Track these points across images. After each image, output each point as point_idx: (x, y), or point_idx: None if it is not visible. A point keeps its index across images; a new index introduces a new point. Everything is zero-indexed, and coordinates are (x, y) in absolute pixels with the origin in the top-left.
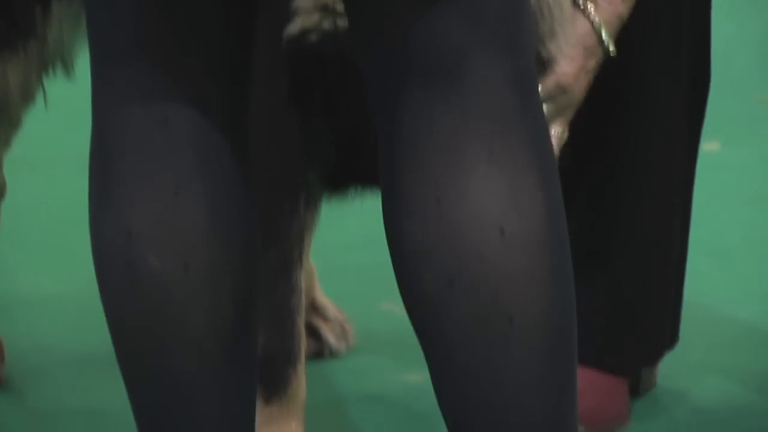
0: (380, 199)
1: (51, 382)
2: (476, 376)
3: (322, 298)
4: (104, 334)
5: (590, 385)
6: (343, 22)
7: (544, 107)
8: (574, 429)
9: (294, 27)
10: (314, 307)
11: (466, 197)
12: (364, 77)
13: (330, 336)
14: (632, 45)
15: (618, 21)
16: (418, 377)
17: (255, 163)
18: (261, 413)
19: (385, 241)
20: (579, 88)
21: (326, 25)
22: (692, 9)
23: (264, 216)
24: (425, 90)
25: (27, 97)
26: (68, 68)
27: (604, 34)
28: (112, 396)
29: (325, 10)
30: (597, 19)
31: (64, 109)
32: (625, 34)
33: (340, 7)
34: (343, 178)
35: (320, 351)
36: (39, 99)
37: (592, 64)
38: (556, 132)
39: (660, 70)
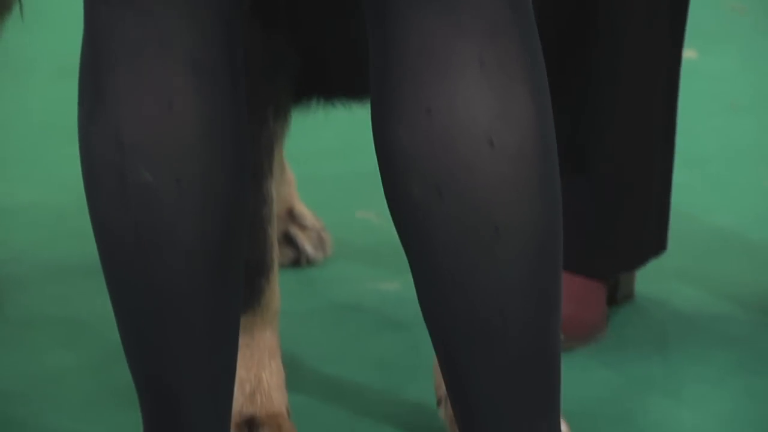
0: (359, 107)
1: (28, 291)
2: (460, 283)
3: (300, 207)
4: (81, 243)
5: (568, 290)
6: None
7: None
8: (557, 338)
9: None
10: (292, 216)
11: (455, 107)
12: None
13: (307, 245)
14: None
15: None
16: (394, 285)
17: None
18: None
19: (362, 151)
20: None
21: None
22: None
23: None
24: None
25: (3, 7)
26: None
27: None
28: (90, 304)
29: None
30: None
31: (40, 16)
32: None
33: None
34: (306, 90)
35: (297, 259)
36: (15, 9)
37: None
38: None
39: None
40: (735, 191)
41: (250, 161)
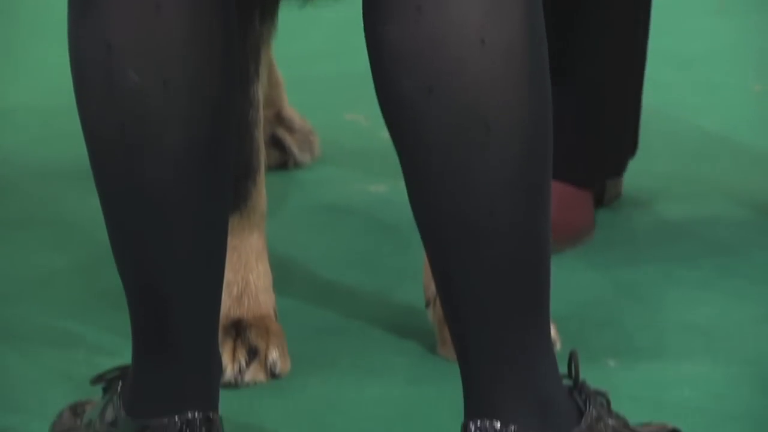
0: (352, 7)
1: (17, 192)
2: (450, 181)
3: (289, 110)
4: (71, 145)
5: (554, 196)
6: None
7: None
8: (546, 239)
9: None
10: (280, 118)
11: (446, 4)
12: None
13: (294, 147)
14: None
15: None
16: (382, 188)
17: None
18: None
19: (351, 52)
20: None
21: None
22: None
23: None
24: None
25: None
26: None
27: None
28: (80, 206)
29: None
30: None
31: None
32: None
33: None
34: None
35: (285, 162)
36: None
37: None
38: None
39: None
40: (723, 93)
41: (238, 64)
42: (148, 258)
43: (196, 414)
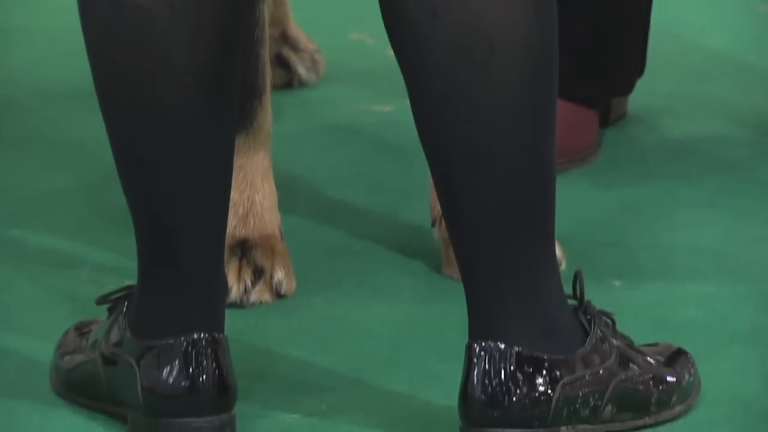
0: None
1: (22, 112)
2: (456, 103)
3: (294, 29)
4: (75, 64)
5: (561, 116)
6: None
7: None
8: (552, 158)
9: None
10: (285, 38)
11: None
12: None
13: (300, 67)
14: None
15: None
16: (388, 108)
17: None
18: None
19: None
20: None
21: None
22: None
23: None
24: None
25: None
26: None
27: None
28: (84, 126)
29: None
30: None
31: None
32: None
33: None
34: None
35: (290, 81)
36: None
37: None
38: None
39: None
40: (728, 13)
41: None
42: (154, 178)
43: (202, 334)
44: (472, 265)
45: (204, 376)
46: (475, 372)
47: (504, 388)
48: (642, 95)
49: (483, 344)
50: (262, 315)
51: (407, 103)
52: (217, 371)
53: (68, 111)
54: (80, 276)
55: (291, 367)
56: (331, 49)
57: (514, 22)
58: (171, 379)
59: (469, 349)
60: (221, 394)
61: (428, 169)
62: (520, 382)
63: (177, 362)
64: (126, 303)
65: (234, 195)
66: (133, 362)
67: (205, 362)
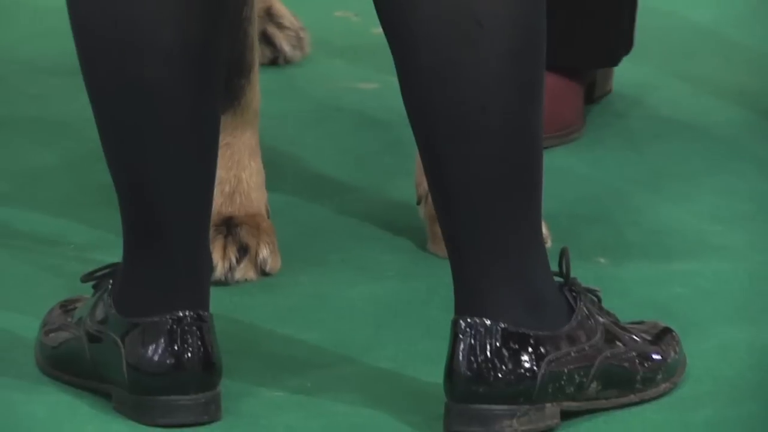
0: None
1: (6, 90)
2: (443, 78)
3: (279, 6)
4: (60, 42)
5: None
6: None
7: None
8: (539, 134)
9: None
10: (270, 15)
11: None
12: None
13: (285, 44)
14: None
15: None
16: (373, 85)
17: None
18: None
19: None
20: None
21: None
22: None
23: None
24: None
25: None
26: None
27: None
28: (70, 104)
29: None
30: None
31: None
32: None
33: None
34: None
35: (275, 59)
36: None
37: None
38: None
39: None
40: None
41: None
42: (140, 155)
43: (187, 312)
44: (458, 241)
45: (189, 354)
46: (461, 348)
47: (489, 364)
48: (627, 72)
49: (469, 320)
50: (247, 293)
51: (393, 80)
52: (202, 349)
53: (53, 89)
54: (65, 253)
55: (276, 344)
56: (316, 27)
57: None
58: (156, 357)
59: (455, 325)
60: (206, 372)
61: (414, 146)
62: (506, 358)
63: (162, 340)
64: (111, 281)
65: (221, 173)
66: (118, 340)
67: (190, 340)
